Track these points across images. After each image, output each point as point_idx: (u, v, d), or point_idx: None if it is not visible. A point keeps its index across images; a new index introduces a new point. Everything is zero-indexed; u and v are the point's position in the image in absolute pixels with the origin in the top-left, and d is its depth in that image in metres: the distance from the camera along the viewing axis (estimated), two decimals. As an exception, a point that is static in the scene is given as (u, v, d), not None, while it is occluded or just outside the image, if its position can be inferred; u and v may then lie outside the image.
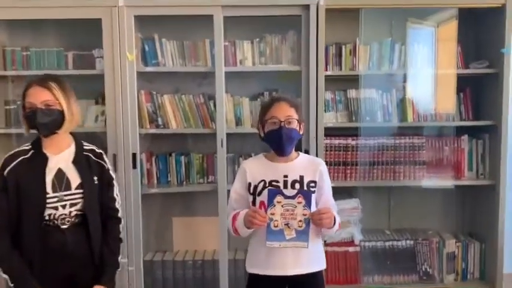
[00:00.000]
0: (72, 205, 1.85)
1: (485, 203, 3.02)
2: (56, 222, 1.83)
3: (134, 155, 2.78)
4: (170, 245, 3.21)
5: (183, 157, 3.03)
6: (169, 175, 3.04)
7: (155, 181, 3.04)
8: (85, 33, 2.84)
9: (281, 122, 1.85)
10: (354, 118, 2.95)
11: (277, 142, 1.87)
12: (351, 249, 2.97)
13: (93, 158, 1.94)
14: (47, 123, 1.81)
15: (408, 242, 3.01)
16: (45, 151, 1.87)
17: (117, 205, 2.00)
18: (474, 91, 3.04)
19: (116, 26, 2.69)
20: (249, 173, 1.92)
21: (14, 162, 1.83)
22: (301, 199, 1.77)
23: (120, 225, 2.02)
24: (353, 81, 2.92)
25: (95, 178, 1.91)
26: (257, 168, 1.93)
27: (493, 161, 2.94)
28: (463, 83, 2.98)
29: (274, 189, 1.81)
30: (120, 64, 2.71)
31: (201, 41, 2.92)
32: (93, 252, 1.89)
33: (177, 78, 3.05)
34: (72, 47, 2.93)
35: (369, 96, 2.95)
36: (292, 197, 1.78)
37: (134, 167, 2.78)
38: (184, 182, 3.03)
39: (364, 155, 2.94)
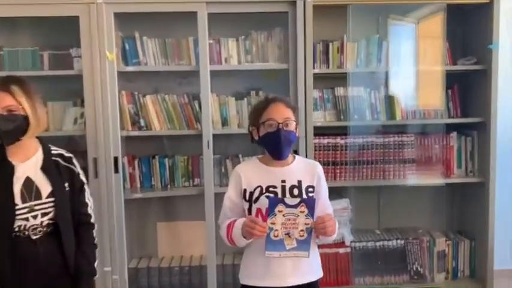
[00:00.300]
0: (43, 215, 1.74)
1: (474, 200, 3.00)
2: (26, 233, 1.73)
3: (116, 158, 2.66)
4: (155, 251, 3.10)
5: (167, 160, 2.93)
6: (153, 179, 2.93)
7: (138, 185, 2.92)
8: (62, 32, 2.71)
9: (279, 124, 1.75)
10: (342, 117, 2.90)
11: (275, 146, 1.77)
12: (341, 250, 2.93)
13: (63, 163, 1.83)
14: (10, 130, 1.69)
15: (399, 241, 2.97)
16: (10, 159, 1.74)
17: (90, 210, 1.90)
18: (462, 88, 3.02)
19: (94, 24, 2.57)
20: (243, 179, 1.81)
21: None
22: (303, 208, 1.67)
23: (94, 231, 1.92)
24: (341, 79, 2.86)
25: (66, 184, 1.81)
26: (252, 173, 1.82)
27: (482, 158, 2.92)
28: (451, 80, 2.96)
29: (275, 198, 1.71)
30: (99, 64, 2.59)
31: (185, 39, 2.82)
32: (68, 262, 1.79)
33: (160, 78, 2.94)
34: (48, 46, 2.79)
35: (357, 94, 2.89)
36: (295, 206, 1.67)
37: (116, 171, 2.67)
38: (169, 186, 2.92)
39: (353, 154, 2.89)
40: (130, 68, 2.79)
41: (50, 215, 1.76)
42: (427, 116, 2.97)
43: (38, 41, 2.82)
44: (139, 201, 2.94)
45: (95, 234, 1.92)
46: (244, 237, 1.72)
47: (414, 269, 2.98)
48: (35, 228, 1.73)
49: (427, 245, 2.99)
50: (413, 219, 3.16)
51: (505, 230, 3.12)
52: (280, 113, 1.77)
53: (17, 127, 1.70)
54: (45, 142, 1.84)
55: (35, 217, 1.72)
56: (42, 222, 1.74)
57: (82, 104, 2.71)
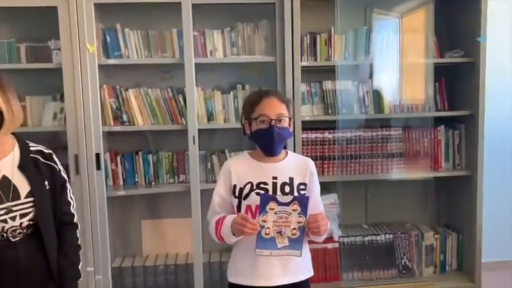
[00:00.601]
0: (22, 216, 1.62)
1: (461, 193, 3.00)
2: (4, 235, 1.60)
3: (98, 155, 2.57)
4: (139, 249, 3.02)
5: (151, 156, 2.84)
6: (136, 175, 2.84)
7: (121, 182, 2.84)
8: (39, 23, 2.60)
9: (271, 120, 1.69)
10: (330, 111, 2.85)
11: (267, 142, 1.71)
12: (330, 245, 2.89)
13: (42, 160, 1.70)
14: None
15: (387, 236, 2.95)
16: None
17: (72, 209, 1.79)
18: (449, 81, 3.00)
19: (73, 15, 2.46)
20: (233, 174, 1.75)
21: None
22: (296, 206, 1.62)
23: (78, 231, 1.81)
24: (328, 72, 2.81)
25: (46, 183, 1.68)
26: (243, 168, 1.76)
27: (470, 151, 2.91)
28: (439, 73, 2.93)
29: (267, 195, 1.66)
30: (79, 57, 2.49)
31: (168, 31, 2.73)
32: (51, 265, 1.68)
33: (143, 72, 2.85)
34: (25, 38, 2.68)
35: (345, 88, 2.85)
36: (287, 204, 1.62)
37: (98, 168, 2.58)
38: (153, 183, 2.84)
39: (341, 148, 2.85)
40: (111, 61, 2.69)
41: (30, 216, 1.64)
42: (414, 110, 2.94)
43: (14, 33, 2.70)
44: (122, 198, 2.86)
45: (78, 235, 1.81)
46: (233, 234, 1.66)
47: (403, 263, 2.97)
48: (14, 230, 1.61)
49: (415, 239, 2.97)
50: (400, 214, 3.14)
51: (492, 223, 3.12)
52: (274, 109, 1.70)
53: None
54: (22, 138, 1.71)
55: (13, 218, 1.60)
56: (21, 223, 1.62)
57: (62, 99, 2.61)
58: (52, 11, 2.45)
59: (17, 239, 1.61)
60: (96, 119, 2.56)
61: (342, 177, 2.86)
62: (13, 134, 1.70)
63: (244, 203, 1.72)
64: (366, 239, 2.93)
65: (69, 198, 1.78)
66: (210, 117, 2.79)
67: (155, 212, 3.02)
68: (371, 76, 2.90)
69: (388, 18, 2.93)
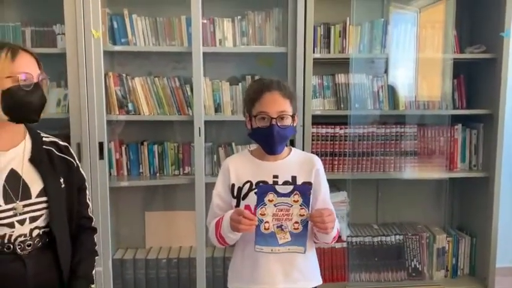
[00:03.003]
0: (32, 219, 1.39)
1: (477, 195, 2.88)
2: (11, 247, 1.36)
3: (101, 144, 2.50)
4: (142, 241, 2.96)
5: (156, 146, 2.77)
6: (141, 166, 2.77)
7: (125, 173, 2.77)
8: (45, 7, 2.54)
9: (272, 119, 1.55)
10: (342, 105, 2.74)
11: (267, 142, 1.59)
12: (337, 245, 2.80)
13: (57, 153, 1.48)
14: (40, 104, 1.38)
15: (397, 237, 2.84)
16: None
17: (90, 212, 1.60)
18: (469, 78, 2.87)
19: (79, -1, 2.39)
20: (232, 172, 1.64)
21: None
22: (297, 197, 1.48)
23: (95, 236, 1.61)
24: (342, 65, 2.71)
25: (61, 180, 1.46)
26: (242, 166, 1.65)
27: (487, 152, 2.78)
28: (458, 69, 2.80)
29: (264, 186, 1.53)
30: (84, 42, 2.41)
31: (177, 18, 2.64)
32: (63, 281, 1.46)
33: (150, 60, 2.78)
34: (31, 22, 2.61)
35: (359, 82, 2.74)
36: (287, 195, 1.48)
37: (101, 157, 2.51)
38: (158, 174, 2.77)
39: (353, 145, 2.74)
40: (118, 48, 2.62)
41: (40, 220, 1.41)
42: (431, 107, 2.82)
43: (20, 16, 2.64)
44: (126, 189, 2.79)
45: (95, 240, 1.61)
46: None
47: (412, 265, 2.86)
48: (23, 241, 1.38)
49: (426, 241, 2.86)
50: (412, 214, 3.04)
51: (507, 227, 3.01)
52: (275, 105, 1.56)
53: (43, 102, 1.39)
54: (33, 127, 1.47)
55: (21, 222, 1.37)
56: (31, 231, 1.39)
57: (66, 85, 2.53)
58: (57, -6, 2.38)
59: (26, 252, 1.39)
60: (100, 106, 2.49)
61: (353, 175, 2.76)
62: None
63: (243, 203, 1.60)
64: (375, 239, 2.83)
65: (88, 200, 1.60)
66: (218, 108, 2.70)
67: (159, 204, 2.95)
68: (386, 70, 2.78)
69: (406, 11, 2.81)
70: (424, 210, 3.04)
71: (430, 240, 2.87)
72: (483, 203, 2.79)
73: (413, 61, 2.81)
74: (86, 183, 1.59)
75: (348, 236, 2.81)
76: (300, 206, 1.50)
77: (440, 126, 2.82)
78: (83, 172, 1.58)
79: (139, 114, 2.66)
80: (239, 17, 2.67)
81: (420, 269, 2.87)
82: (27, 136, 1.45)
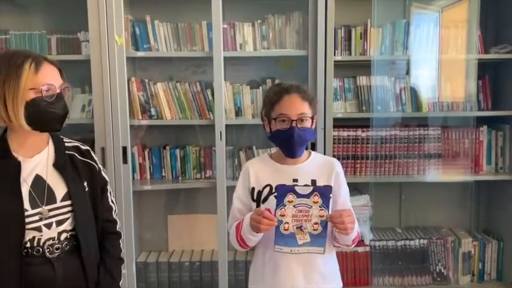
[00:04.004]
0: (59, 223, 1.42)
1: (503, 199, 2.82)
2: (40, 250, 1.40)
3: (124, 148, 2.54)
4: (165, 245, 2.99)
5: (178, 150, 2.80)
6: (163, 170, 2.80)
7: (148, 176, 2.81)
8: (70, 15, 2.60)
9: (292, 121, 1.57)
10: (364, 108, 2.72)
11: (287, 144, 1.60)
12: (360, 249, 2.77)
13: (79, 157, 1.52)
14: (63, 114, 1.42)
15: (421, 241, 2.80)
16: (15, 154, 1.40)
17: (115, 215, 1.61)
18: (494, 78, 2.81)
19: (102, 6, 2.42)
20: (252, 176, 1.65)
21: None
22: (317, 198, 1.49)
23: (121, 241, 1.63)
24: (363, 67, 2.68)
25: (85, 184, 1.49)
26: (262, 170, 1.66)
27: (514, 154, 2.72)
28: (483, 70, 2.75)
29: (284, 186, 1.53)
30: (107, 48, 2.45)
31: (198, 24, 2.67)
32: (89, 284, 1.48)
33: (172, 65, 2.81)
34: (56, 30, 2.68)
35: (381, 84, 2.71)
36: (307, 196, 1.49)
37: (125, 161, 2.54)
38: (180, 178, 2.80)
39: (375, 147, 2.71)
40: (140, 54, 2.66)
41: (66, 224, 1.44)
42: (455, 108, 2.77)
43: (46, 25, 2.71)
44: (149, 193, 2.83)
45: (121, 245, 1.64)
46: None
47: (437, 270, 2.81)
48: (52, 245, 1.41)
49: (451, 245, 2.81)
50: (436, 218, 2.98)
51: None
52: (295, 108, 1.58)
53: (67, 110, 1.43)
54: (56, 133, 1.51)
55: (48, 226, 1.40)
56: (59, 235, 1.43)
57: (90, 91, 2.58)
58: (82, 2, 2.42)
59: (54, 255, 1.42)
60: (124, 112, 2.53)
61: (375, 178, 2.73)
62: None
63: (262, 207, 1.61)
64: (399, 243, 2.79)
65: (111, 203, 1.61)
66: (238, 112, 2.71)
67: (182, 207, 2.98)
68: (408, 72, 2.75)
69: (428, 11, 2.77)
70: (448, 213, 2.99)
71: (455, 244, 2.82)
72: (510, 206, 2.73)
73: (436, 62, 2.76)
74: (109, 186, 1.61)
75: (371, 240, 2.78)
76: (320, 207, 1.51)
77: (465, 128, 2.77)
78: (105, 175, 1.60)
79: (162, 118, 2.69)
80: (259, 21, 2.68)
81: (445, 273, 2.82)
82: (50, 142, 1.50)
